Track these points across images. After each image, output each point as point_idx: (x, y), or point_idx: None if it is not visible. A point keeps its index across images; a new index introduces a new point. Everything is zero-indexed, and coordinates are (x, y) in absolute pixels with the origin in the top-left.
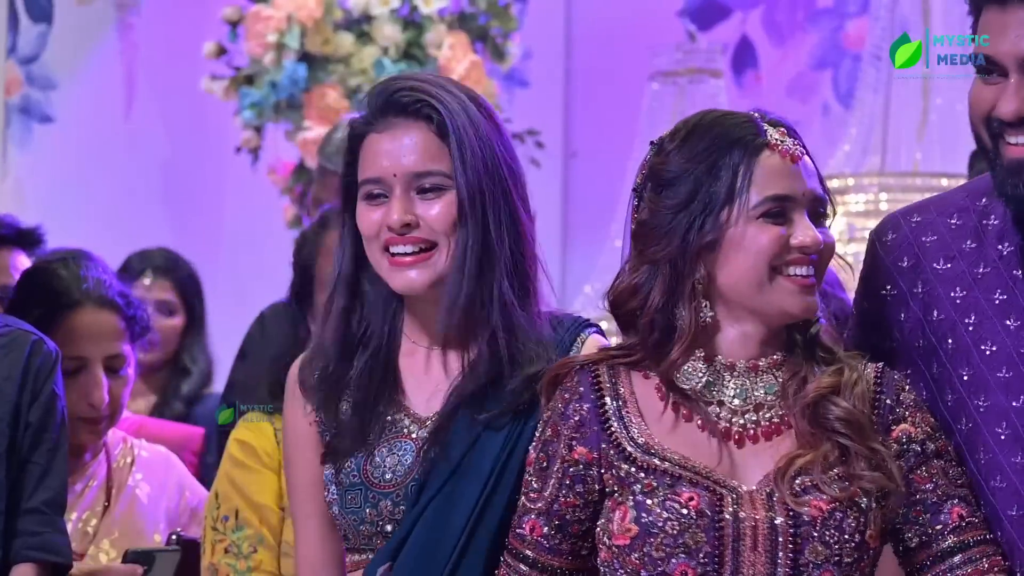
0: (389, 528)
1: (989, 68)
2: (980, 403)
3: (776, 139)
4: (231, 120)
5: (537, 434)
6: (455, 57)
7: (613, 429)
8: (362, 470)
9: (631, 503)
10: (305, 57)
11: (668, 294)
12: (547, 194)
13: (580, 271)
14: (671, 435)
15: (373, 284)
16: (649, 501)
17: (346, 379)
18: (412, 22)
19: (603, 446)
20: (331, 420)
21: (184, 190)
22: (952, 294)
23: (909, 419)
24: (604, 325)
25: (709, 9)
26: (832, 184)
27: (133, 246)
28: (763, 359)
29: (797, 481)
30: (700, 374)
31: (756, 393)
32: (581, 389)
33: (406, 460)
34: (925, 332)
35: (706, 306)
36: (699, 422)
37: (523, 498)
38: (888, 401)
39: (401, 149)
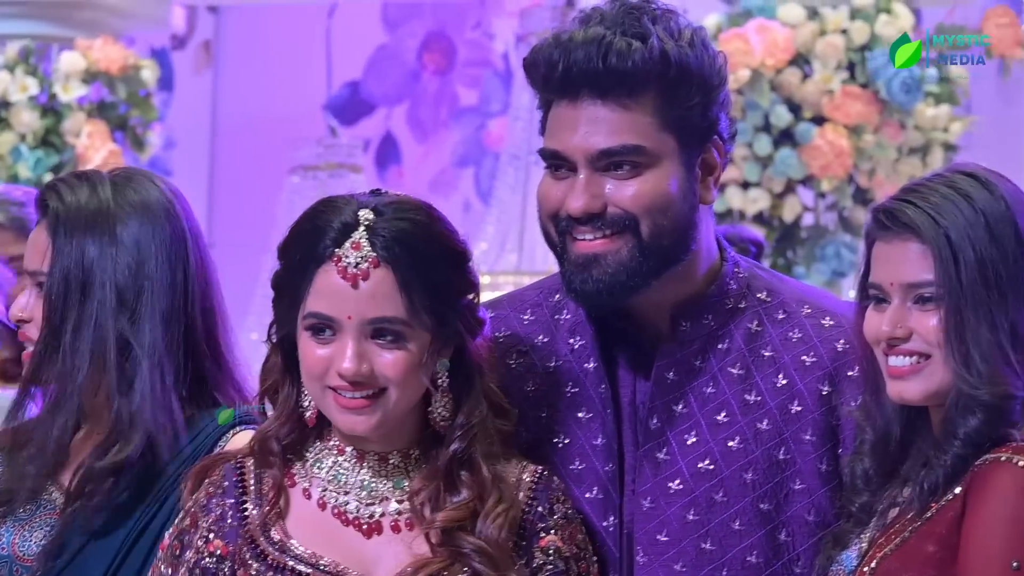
0: None
1: (558, 164)
2: None
3: (345, 253)
4: None
5: (176, 521)
6: (93, 146)
7: (250, 526)
8: (11, 544)
9: None
10: None
11: (289, 377)
12: None
13: None
14: (307, 530)
15: None
16: None
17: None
18: (51, 109)
19: (239, 542)
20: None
21: None
22: (525, 388)
23: (559, 532)
24: None
25: (353, 105)
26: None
27: None
28: (395, 453)
29: None
30: (331, 463)
31: (382, 487)
32: (225, 484)
33: (51, 534)
34: None
35: (305, 394)
36: (332, 513)
37: None
38: (540, 508)
39: (31, 246)
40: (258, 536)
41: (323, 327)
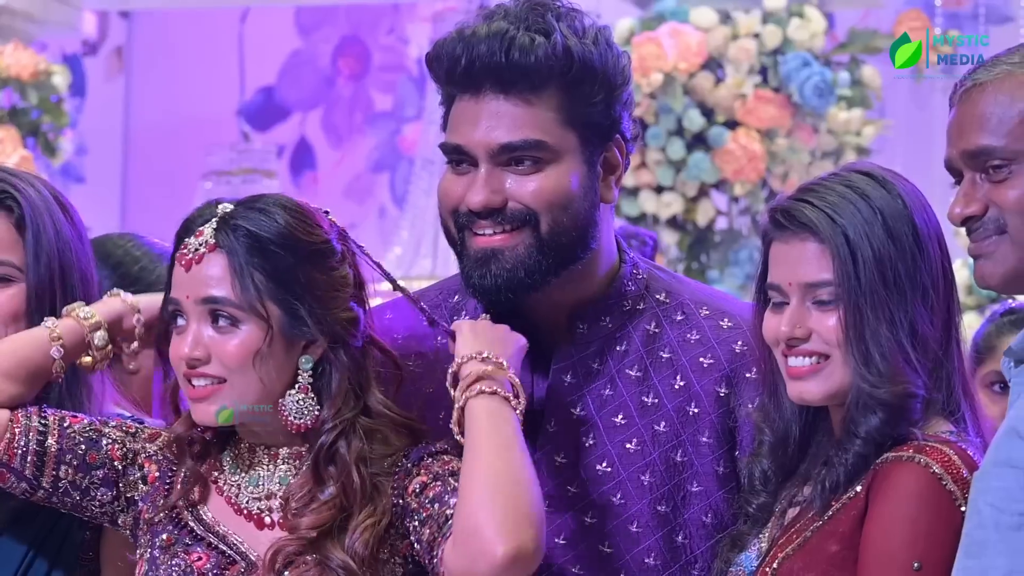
0: None
1: (460, 158)
2: None
3: (189, 242)
4: None
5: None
6: (4, 152)
7: (172, 480)
8: None
9: (147, 556)
10: None
11: None
12: None
13: None
14: (216, 504)
15: None
16: (160, 557)
17: None
18: None
19: (163, 484)
20: None
21: None
22: (424, 389)
23: (422, 472)
24: None
25: (267, 110)
26: (382, 287)
27: None
28: (283, 448)
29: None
30: (231, 456)
31: (270, 484)
32: (166, 448)
33: None
34: None
35: None
36: (226, 501)
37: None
38: (408, 464)
39: None
40: (176, 492)
41: (176, 314)
